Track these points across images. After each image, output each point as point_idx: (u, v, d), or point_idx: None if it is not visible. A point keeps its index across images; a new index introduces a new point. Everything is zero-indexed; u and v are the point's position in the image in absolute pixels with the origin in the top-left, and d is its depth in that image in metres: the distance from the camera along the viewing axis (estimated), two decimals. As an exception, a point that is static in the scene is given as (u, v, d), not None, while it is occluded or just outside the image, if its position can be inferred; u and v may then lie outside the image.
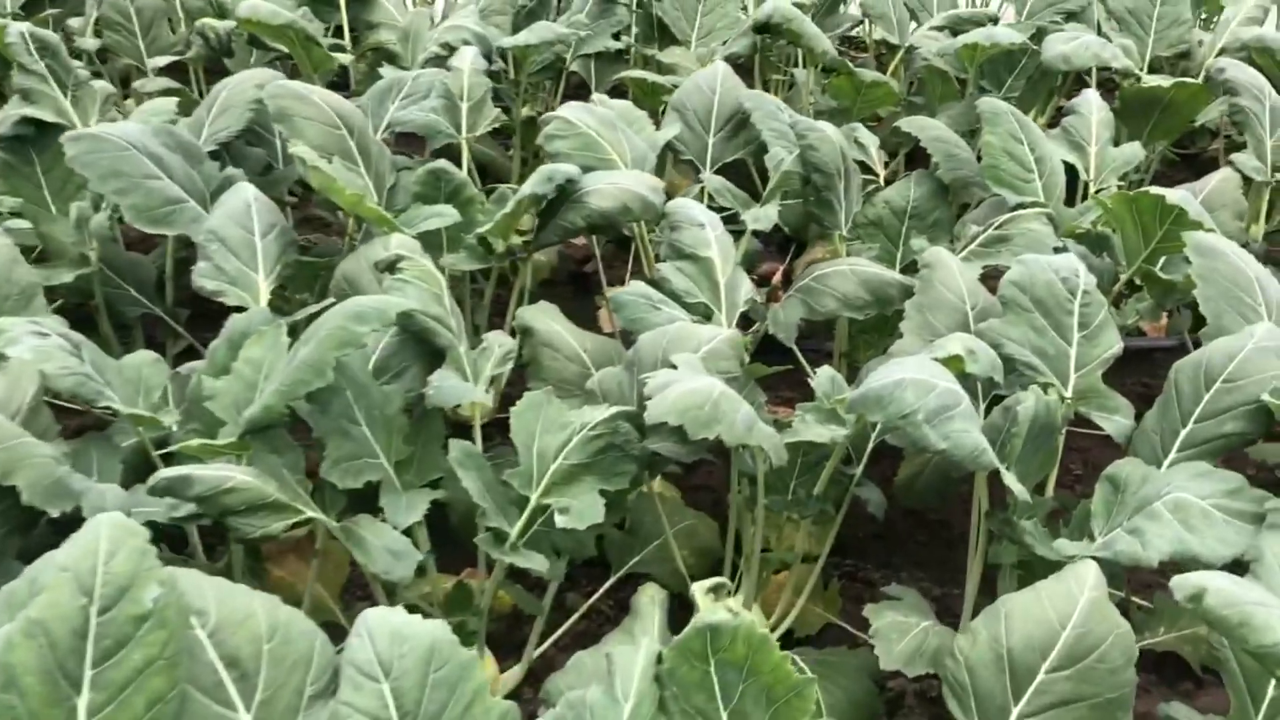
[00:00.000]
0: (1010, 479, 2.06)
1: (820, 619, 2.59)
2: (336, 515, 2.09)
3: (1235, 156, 3.55)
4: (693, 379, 2.07)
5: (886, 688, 2.38)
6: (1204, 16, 5.49)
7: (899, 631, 2.13)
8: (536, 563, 2.09)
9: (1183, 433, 2.34)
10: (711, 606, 1.92)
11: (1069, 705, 1.75)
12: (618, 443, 2.18)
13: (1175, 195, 2.75)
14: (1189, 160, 5.22)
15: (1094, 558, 1.96)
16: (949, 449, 1.96)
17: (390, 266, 2.36)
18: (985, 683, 1.80)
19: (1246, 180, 3.56)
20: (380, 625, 1.54)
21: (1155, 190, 2.76)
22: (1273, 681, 1.87)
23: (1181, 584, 1.63)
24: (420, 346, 2.39)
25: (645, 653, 1.61)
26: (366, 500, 2.17)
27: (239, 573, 2.30)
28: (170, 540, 2.39)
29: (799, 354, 3.05)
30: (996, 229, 3.04)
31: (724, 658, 1.60)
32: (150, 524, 2.09)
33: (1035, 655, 1.78)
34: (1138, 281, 3.07)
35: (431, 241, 2.91)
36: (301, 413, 2.12)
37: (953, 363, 2.15)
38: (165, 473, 1.86)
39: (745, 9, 4.79)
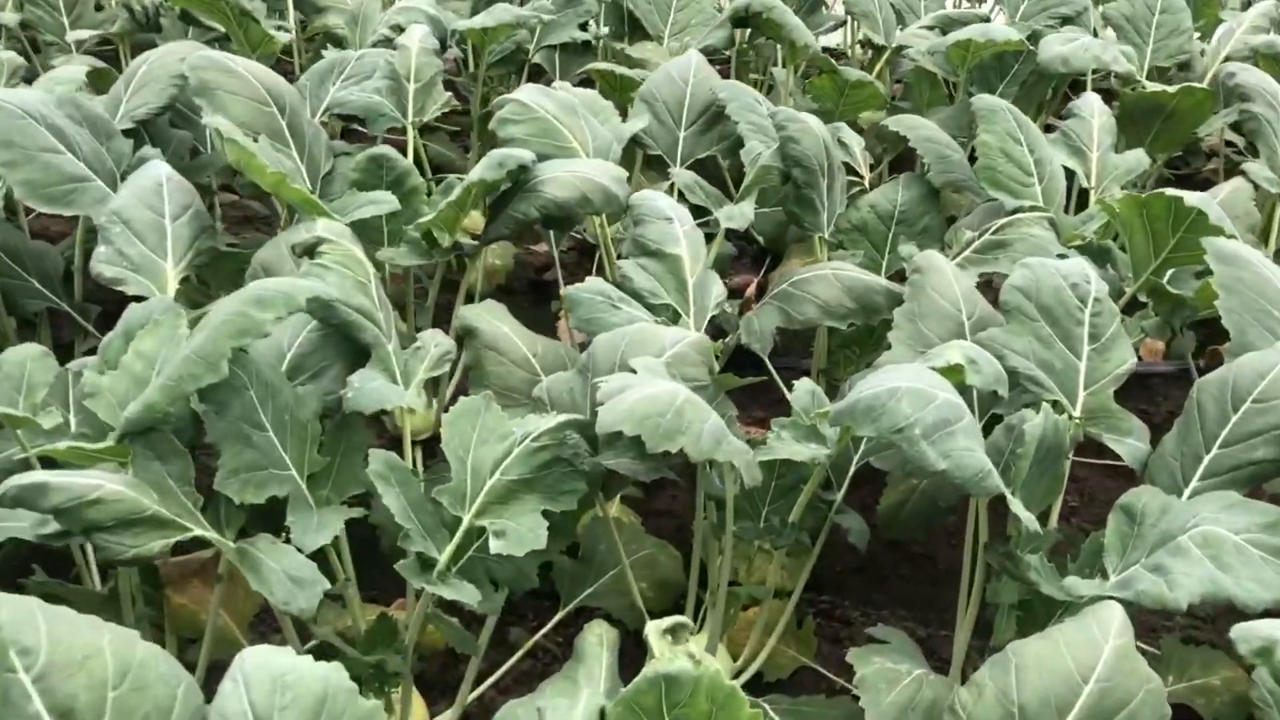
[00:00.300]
0: (1018, 506, 1.83)
1: (793, 661, 2.40)
2: (234, 534, 1.81)
3: (1247, 166, 3.32)
4: (653, 384, 1.82)
5: (868, 742, 2.13)
6: (1199, 34, 5.28)
7: (888, 681, 1.87)
8: (467, 595, 1.81)
9: (1206, 458, 2.11)
10: (669, 652, 1.64)
11: (1091, 774, 1.52)
12: (565, 456, 1.92)
13: (1194, 198, 2.51)
14: (1184, 180, 5.01)
15: (1111, 598, 1.73)
16: (950, 469, 1.74)
17: (309, 251, 2.06)
18: (992, 745, 1.55)
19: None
20: (259, 669, 1.31)
21: (1171, 192, 2.51)
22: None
23: (1246, 635, 1.38)
24: (344, 344, 2.12)
25: (585, 707, 1.35)
26: (276, 517, 1.88)
27: (128, 600, 2.02)
28: (49, 560, 2.11)
29: (773, 370, 2.78)
30: (994, 234, 2.79)
31: (682, 713, 1.35)
32: (17, 541, 1.84)
33: (1051, 713, 1.56)
34: (1142, 298, 2.82)
35: (372, 238, 2.65)
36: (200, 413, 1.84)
37: (952, 373, 1.93)
38: (15, 480, 1.56)
39: (720, 8, 4.55)
